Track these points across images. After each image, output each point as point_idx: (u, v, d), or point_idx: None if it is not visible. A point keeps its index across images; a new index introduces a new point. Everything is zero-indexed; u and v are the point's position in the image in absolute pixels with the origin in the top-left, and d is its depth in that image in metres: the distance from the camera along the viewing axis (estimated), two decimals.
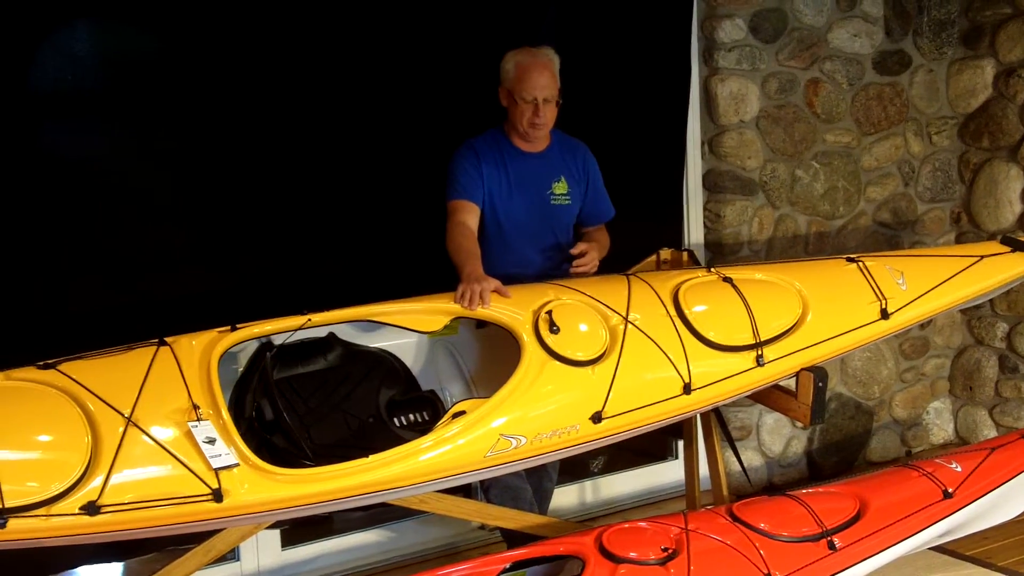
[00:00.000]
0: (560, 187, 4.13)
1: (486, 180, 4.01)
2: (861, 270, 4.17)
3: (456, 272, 3.69)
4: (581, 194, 4.20)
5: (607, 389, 3.48)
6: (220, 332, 3.30)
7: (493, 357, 3.79)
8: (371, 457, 3.14)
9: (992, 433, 5.95)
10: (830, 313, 4.00)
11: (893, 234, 5.77)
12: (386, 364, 3.71)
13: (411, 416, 3.61)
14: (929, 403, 6.12)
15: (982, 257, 4.37)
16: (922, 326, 5.86)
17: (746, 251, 5.28)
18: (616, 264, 4.21)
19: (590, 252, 4.04)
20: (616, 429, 3.54)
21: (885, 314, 4.07)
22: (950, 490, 3.77)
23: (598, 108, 4.62)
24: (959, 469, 3.88)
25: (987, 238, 5.72)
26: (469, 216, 3.93)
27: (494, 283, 3.58)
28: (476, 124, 4.15)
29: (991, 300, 5.72)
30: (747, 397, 3.99)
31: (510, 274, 3.81)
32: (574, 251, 4.03)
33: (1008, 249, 4.46)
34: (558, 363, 3.46)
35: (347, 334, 3.67)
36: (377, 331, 3.71)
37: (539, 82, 3.97)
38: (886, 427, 5.95)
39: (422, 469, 3.21)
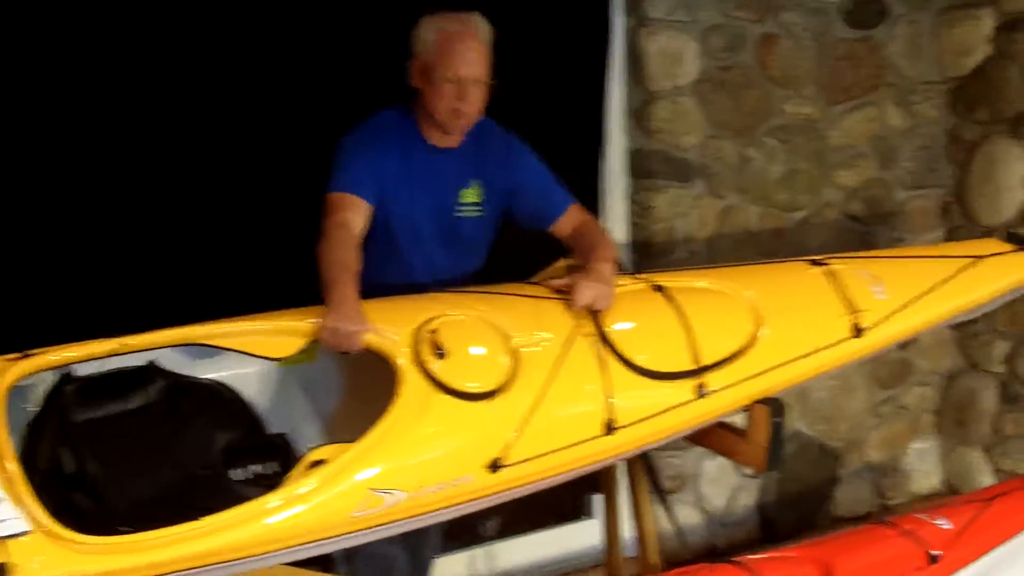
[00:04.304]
0: (470, 195, 4.12)
1: (381, 173, 4.00)
2: (827, 276, 4.27)
3: (321, 288, 3.62)
4: (498, 205, 4.18)
5: (508, 429, 3.52)
6: (6, 360, 3.29)
7: (360, 390, 3.81)
8: (203, 520, 3.14)
9: (989, 480, 6.06)
10: (789, 330, 4.09)
11: (867, 230, 5.88)
12: (222, 400, 3.72)
13: (255, 467, 3.62)
14: (911, 443, 6.24)
15: (979, 258, 4.47)
16: (903, 346, 5.97)
17: (682, 252, 5.35)
18: (517, 271, 4.24)
19: (579, 285, 3.88)
20: (519, 480, 3.59)
21: (857, 331, 4.16)
22: (936, 553, 3.85)
23: (501, 79, 4.65)
24: (948, 526, 3.95)
25: (985, 234, 5.80)
26: (355, 215, 3.88)
27: (370, 326, 3.57)
28: (357, 108, 4.14)
29: (989, 313, 5.81)
30: (684, 438, 4.06)
31: (395, 285, 3.86)
32: (556, 283, 3.97)
33: (1011, 248, 4.57)
34: (445, 396, 3.48)
35: (172, 362, 3.67)
36: (211, 358, 3.71)
37: (467, 57, 3.92)
38: (857, 474, 6.07)
39: (269, 535, 3.23)
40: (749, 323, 4.05)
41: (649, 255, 5.31)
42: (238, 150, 4.43)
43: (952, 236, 6.09)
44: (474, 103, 3.96)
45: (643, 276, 4.12)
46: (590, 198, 5.18)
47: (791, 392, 4.34)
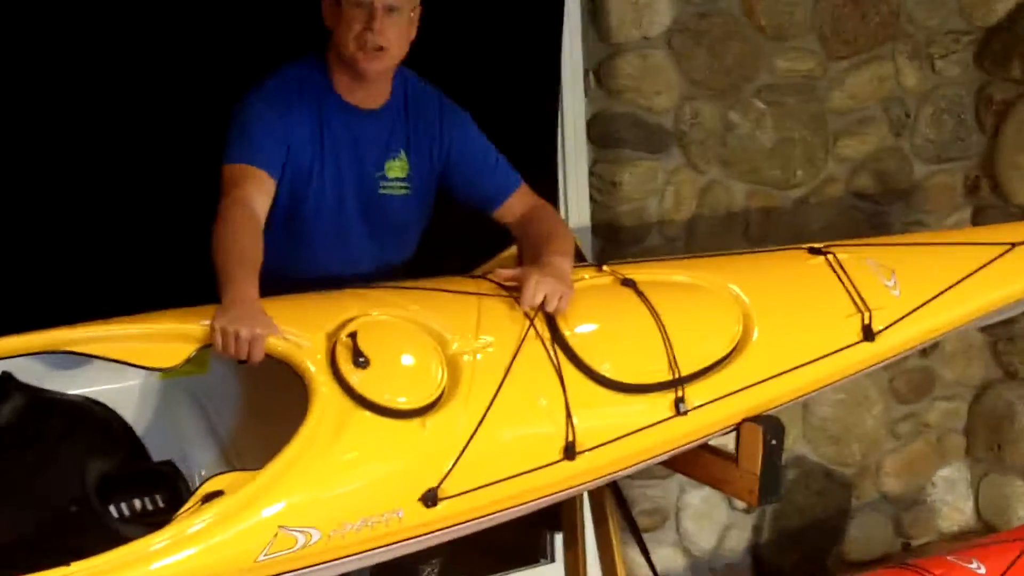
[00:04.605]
0: (396, 167, 4.08)
1: (288, 141, 3.94)
2: (831, 266, 4.28)
3: (216, 281, 3.58)
4: (430, 181, 4.17)
5: (445, 454, 3.52)
6: None
7: (264, 407, 3.81)
8: (75, 565, 3.09)
9: None
10: (785, 333, 4.12)
11: (878, 211, 5.91)
12: (94, 420, 3.70)
13: (137, 501, 3.60)
14: (936, 470, 6.27)
15: (1014, 245, 4.51)
16: (924, 352, 6.00)
17: (656, 238, 5.36)
18: (456, 261, 4.24)
19: (529, 279, 3.87)
20: (460, 516, 3.58)
21: (868, 333, 4.18)
22: None
23: (428, 23, 4.65)
24: (983, 571, 3.99)
25: (1019, 216, 5.89)
26: (257, 191, 3.84)
27: (273, 327, 3.52)
28: (256, 65, 4.14)
29: None
30: (661, 464, 4.07)
31: (304, 279, 3.84)
32: (504, 274, 3.96)
33: None
34: (367, 413, 3.46)
35: (32, 374, 3.63)
36: (79, 368, 3.68)
37: None
38: (872, 508, 6.09)
39: None
40: (737, 324, 4.07)
41: (615, 242, 5.32)
42: (112, 113, 4.40)
43: (980, 218, 6.13)
44: (387, 34, 3.92)
45: (609, 268, 4.11)
46: (543, 173, 5.14)
47: (790, 408, 4.36)
